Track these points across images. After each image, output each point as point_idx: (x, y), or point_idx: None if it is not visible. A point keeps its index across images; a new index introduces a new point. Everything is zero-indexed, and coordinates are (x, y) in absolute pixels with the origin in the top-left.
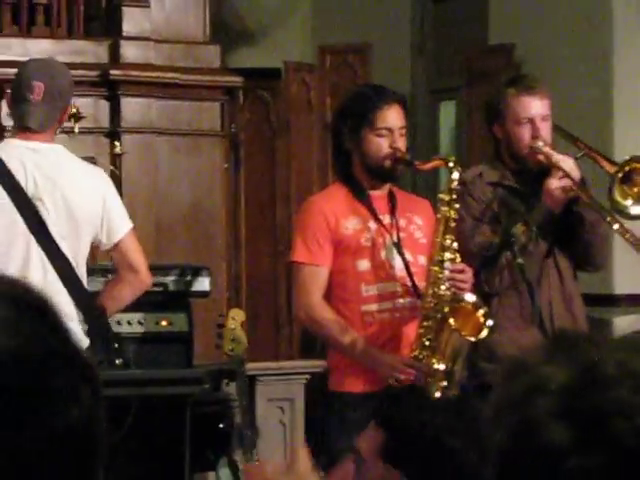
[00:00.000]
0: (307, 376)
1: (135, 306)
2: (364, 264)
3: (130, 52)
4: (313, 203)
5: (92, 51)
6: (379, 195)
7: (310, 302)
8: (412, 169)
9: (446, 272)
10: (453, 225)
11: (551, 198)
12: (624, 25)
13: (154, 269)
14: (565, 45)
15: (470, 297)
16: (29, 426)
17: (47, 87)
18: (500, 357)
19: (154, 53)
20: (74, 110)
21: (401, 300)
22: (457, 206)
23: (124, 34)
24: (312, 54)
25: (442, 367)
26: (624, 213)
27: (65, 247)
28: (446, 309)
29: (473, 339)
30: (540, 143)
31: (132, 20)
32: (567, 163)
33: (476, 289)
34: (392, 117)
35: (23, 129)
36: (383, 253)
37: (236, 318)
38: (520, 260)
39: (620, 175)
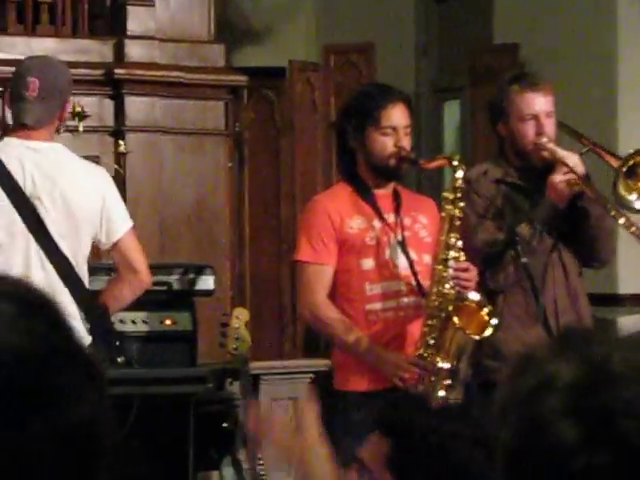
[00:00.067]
0: (311, 375)
1: (139, 305)
2: (368, 263)
3: (135, 51)
4: (318, 202)
5: (97, 50)
6: (384, 194)
7: (315, 301)
8: (417, 168)
9: (450, 271)
10: (457, 224)
11: (555, 192)
12: (628, 25)
13: (158, 268)
14: (569, 45)
15: (474, 296)
16: (32, 424)
17: (42, 83)
18: (505, 355)
19: (159, 52)
20: (79, 109)
21: (405, 299)
22: (461, 204)
23: (129, 33)
24: (317, 54)
25: (446, 365)
26: (629, 207)
27: (64, 246)
28: (450, 308)
29: (477, 337)
30: (544, 139)
31: (137, 19)
32: (572, 158)
33: (481, 287)
34: (397, 116)
35: (20, 126)
36: (387, 252)
37: (240, 317)
38: (524, 259)
39: (624, 169)
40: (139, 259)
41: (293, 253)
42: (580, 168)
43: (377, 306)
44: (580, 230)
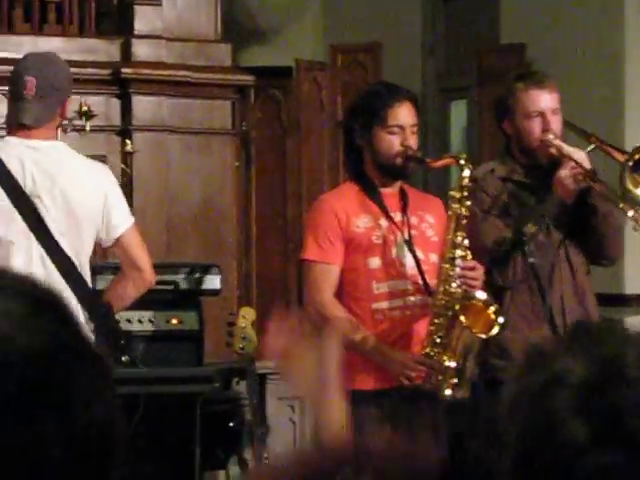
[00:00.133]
0: None
1: (146, 304)
2: (375, 262)
3: (142, 50)
4: (324, 201)
5: (104, 49)
6: (390, 193)
7: (321, 300)
8: (423, 167)
9: (457, 269)
10: (464, 222)
11: (562, 188)
12: (635, 25)
13: (165, 267)
14: (576, 45)
15: (481, 294)
16: (46, 425)
17: (39, 81)
18: (511, 354)
19: (165, 51)
20: (85, 108)
21: (412, 298)
22: (468, 203)
23: (136, 32)
24: (323, 53)
25: (453, 364)
26: (636, 201)
27: (65, 244)
28: (457, 306)
29: (484, 336)
30: (551, 136)
31: (144, 18)
32: (578, 154)
33: (487, 286)
34: (403, 114)
35: (20, 126)
36: (394, 251)
37: (247, 316)
38: (531, 259)
39: (631, 163)
40: (142, 256)
41: (300, 252)
42: (587, 163)
43: (384, 305)
44: (588, 227)
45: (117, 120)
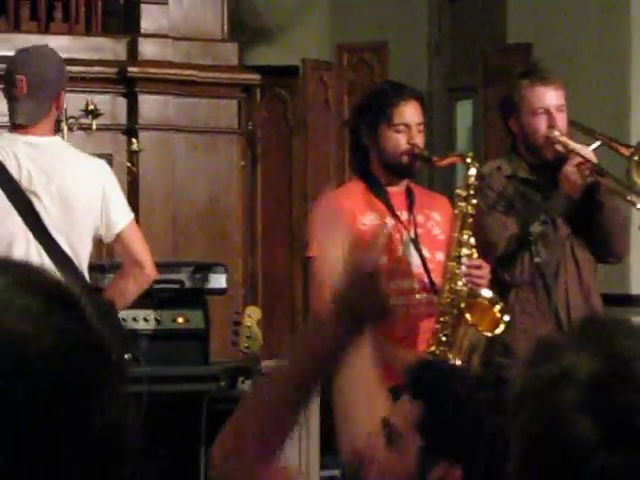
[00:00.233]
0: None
1: (151, 303)
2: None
3: (148, 49)
4: (330, 199)
5: (110, 48)
6: (397, 191)
7: (327, 298)
8: (429, 165)
9: (463, 268)
10: (470, 221)
11: (569, 183)
12: None
13: (170, 266)
14: (582, 44)
15: (487, 293)
16: (64, 422)
17: (30, 79)
18: (515, 352)
19: (172, 50)
20: (92, 107)
21: (418, 296)
22: (474, 202)
23: (142, 31)
24: (330, 52)
25: (458, 362)
26: None
27: (62, 240)
28: (463, 304)
29: (489, 334)
30: (556, 133)
31: (150, 17)
32: (584, 150)
33: (493, 285)
34: (409, 113)
35: (16, 125)
36: (400, 249)
37: (252, 315)
38: (537, 259)
39: (636, 158)
40: (143, 252)
41: (305, 251)
42: (593, 158)
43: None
44: (594, 223)
45: (123, 119)
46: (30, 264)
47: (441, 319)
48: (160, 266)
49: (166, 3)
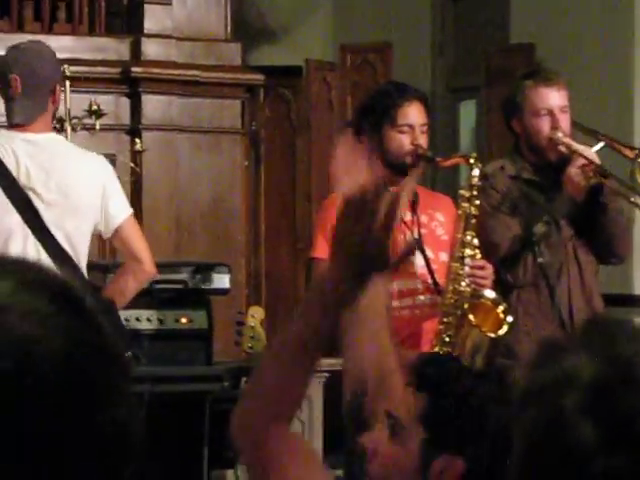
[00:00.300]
0: (326, 374)
1: (155, 303)
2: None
3: (151, 49)
4: (335, 200)
5: (113, 48)
6: None
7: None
8: (433, 166)
9: (466, 268)
10: (474, 221)
11: (572, 185)
12: None
13: (174, 266)
14: (585, 45)
15: (490, 293)
16: (70, 423)
17: (23, 79)
18: (518, 353)
19: (175, 50)
20: (95, 107)
21: (421, 297)
22: (477, 202)
23: (145, 31)
24: (333, 53)
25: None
26: None
27: (61, 237)
28: (466, 305)
29: (493, 335)
30: (560, 134)
31: (153, 17)
32: (588, 151)
33: (496, 285)
34: (413, 114)
35: (13, 125)
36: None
37: (255, 316)
38: (540, 259)
39: None
40: (142, 247)
41: (309, 251)
42: (596, 160)
43: (393, 304)
44: (598, 225)
45: (127, 119)
46: (35, 264)
47: (444, 320)
48: (163, 266)
49: (170, 3)
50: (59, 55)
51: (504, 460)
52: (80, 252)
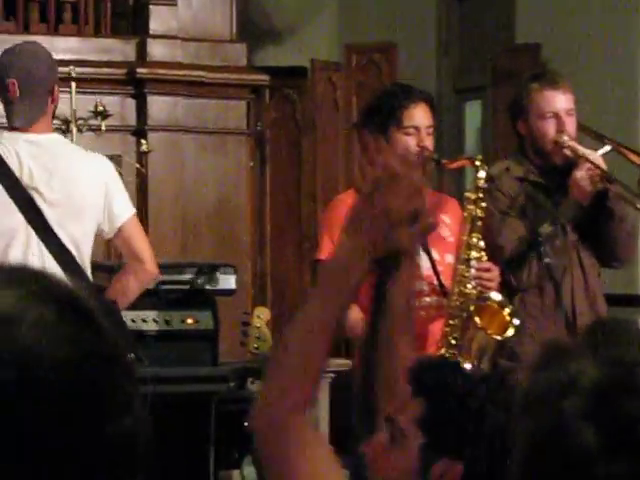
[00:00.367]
0: (332, 375)
1: (160, 304)
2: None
3: (157, 50)
4: (340, 201)
5: (119, 49)
6: None
7: None
8: (439, 168)
9: (472, 271)
10: (480, 224)
11: (578, 190)
12: None
13: (179, 267)
14: (590, 45)
15: (496, 296)
16: (77, 433)
17: (21, 81)
18: (520, 355)
19: (181, 51)
20: (101, 108)
21: (427, 299)
22: (483, 204)
23: (151, 32)
24: (338, 53)
25: (468, 366)
26: None
27: (65, 237)
28: (472, 308)
29: (499, 338)
30: (565, 137)
31: (159, 18)
32: (593, 155)
33: (502, 287)
34: (419, 116)
35: (13, 128)
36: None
37: (261, 316)
38: (547, 259)
39: None
40: (144, 247)
41: (314, 252)
42: (602, 164)
43: None
44: (602, 230)
45: (132, 120)
46: (42, 273)
47: (450, 322)
48: (169, 267)
49: (175, 4)
50: (64, 56)
51: (503, 461)
52: (84, 252)
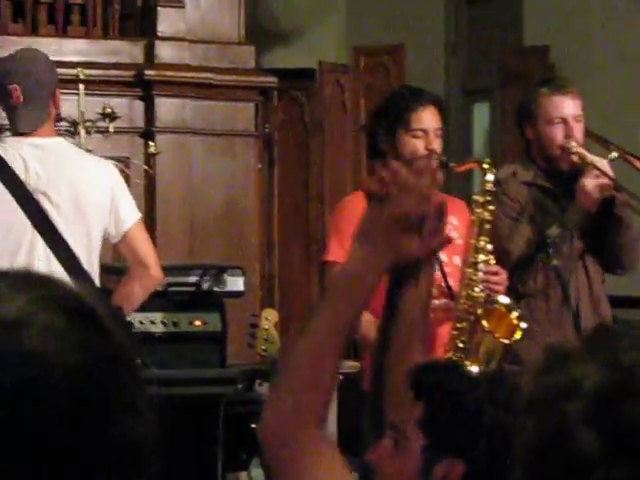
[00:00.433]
0: (340, 377)
1: (168, 306)
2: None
3: (165, 52)
4: (348, 203)
5: (127, 51)
6: None
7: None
8: (447, 171)
9: (480, 274)
10: (487, 227)
11: (585, 197)
12: None
13: (187, 269)
14: (599, 47)
15: (504, 299)
16: (85, 439)
17: (23, 87)
18: (524, 359)
19: (189, 53)
20: (109, 110)
21: (435, 301)
22: (491, 208)
23: (159, 34)
24: (346, 55)
25: (476, 369)
26: None
27: (72, 241)
28: (480, 311)
29: (507, 341)
30: (573, 143)
31: (167, 20)
32: (601, 162)
33: (510, 291)
34: (427, 118)
35: (18, 134)
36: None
37: (269, 318)
38: (555, 262)
39: None
40: (149, 252)
41: (322, 254)
42: (610, 172)
43: None
44: (608, 237)
45: (140, 122)
46: (50, 278)
47: (458, 325)
48: (177, 269)
49: (183, 6)
50: (72, 58)
51: (503, 461)
52: (91, 255)
